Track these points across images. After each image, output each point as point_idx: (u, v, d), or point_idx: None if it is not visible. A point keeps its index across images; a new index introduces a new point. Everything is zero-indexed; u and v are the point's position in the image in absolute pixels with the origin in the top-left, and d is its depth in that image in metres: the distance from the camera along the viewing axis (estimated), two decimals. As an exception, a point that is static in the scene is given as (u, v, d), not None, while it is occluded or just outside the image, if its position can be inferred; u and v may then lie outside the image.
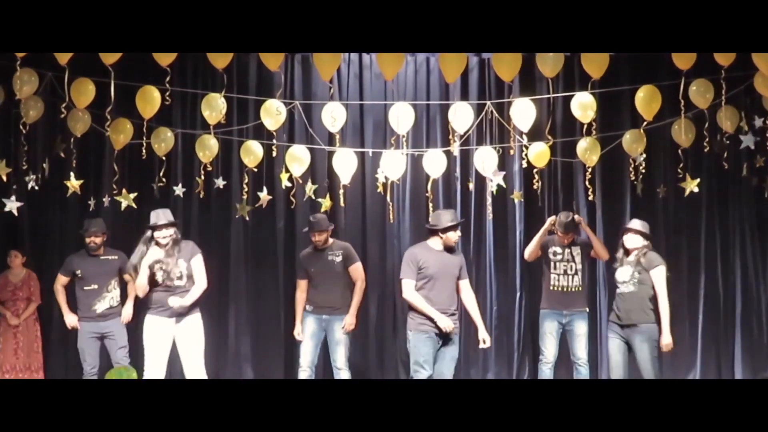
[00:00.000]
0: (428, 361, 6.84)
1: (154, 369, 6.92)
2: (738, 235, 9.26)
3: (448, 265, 7.01)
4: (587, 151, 8.15)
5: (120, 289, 7.96)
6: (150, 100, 7.79)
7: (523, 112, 7.95)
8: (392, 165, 8.18)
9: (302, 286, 7.86)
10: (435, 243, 7.03)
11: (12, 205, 7.80)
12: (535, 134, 8.15)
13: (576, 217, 7.88)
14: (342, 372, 7.68)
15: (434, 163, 8.22)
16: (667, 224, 9.30)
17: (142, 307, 7.51)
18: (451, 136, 8.34)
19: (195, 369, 6.97)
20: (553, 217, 7.93)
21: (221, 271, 8.94)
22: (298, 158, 8.22)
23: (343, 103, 8.51)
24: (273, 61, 7.74)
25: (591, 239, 7.85)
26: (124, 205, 8.04)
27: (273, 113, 8.01)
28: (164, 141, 8.15)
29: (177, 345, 7.00)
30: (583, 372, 7.68)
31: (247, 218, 8.82)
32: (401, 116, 8.03)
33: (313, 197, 8.75)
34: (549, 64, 7.75)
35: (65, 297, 7.97)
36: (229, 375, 9.07)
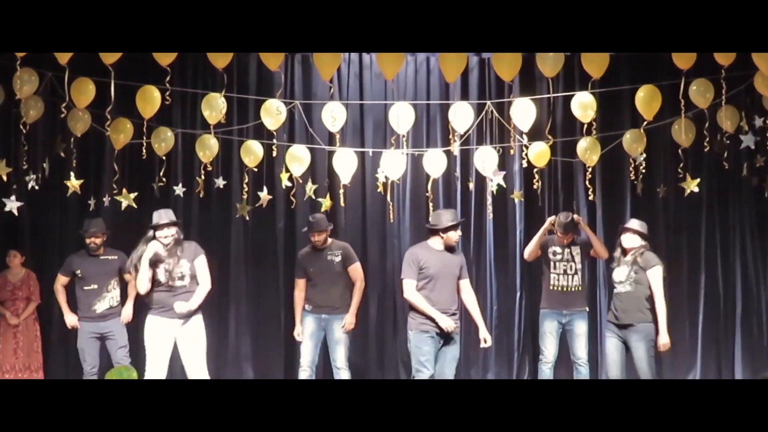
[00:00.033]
0: (430, 360, 6.84)
1: (156, 369, 6.91)
2: (738, 234, 9.26)
3: (449, 265, 7.01)
4: (587, 150, 8.15)
5: (120, 289, 7.95)
6: (150, 99, 7.79)
7: (523, 111, 7.95)
8: (392, 165, 8.18)
9: (300, 285, 7.87)
10: (435, 243, 7.03)
11: (12, 204, 7.80)
12: (535, 134, 8.14)
13: (575, 216, 7.88)
14: (342, 372, 7.68)
15: (434, 162, 8.22)
16: (668, 224, 9.31)
17: (142, 307, 7.52)
18: (451, 136, 8.34)
19: (197, 370, 6.96)
20: (552, 217, 7.93)
21: (221, 271, 8.93)
22: (298, 158, 8.22)
23: (344, 102, 8.51)
24: (273, 60, 7.74)
25: (590, 238, 7.85)
26: (124, 204, 8.03)
27: (273, 113, 8.01)
28: (164, 141, 8.15)
29: (179, 346, 6.99)
30: (583, 372, 7.68)
31: (248, 218, 8.82)
32: (401, 116, 8.03)
33: (314, 197, 8.75)
34: (549, 63, 7.75)
35: (65, 297, 7.96)
36: (229, 375, 9.07)
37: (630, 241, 7.32)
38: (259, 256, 9.33)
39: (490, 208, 8.67)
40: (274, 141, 8.24)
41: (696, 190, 8.11)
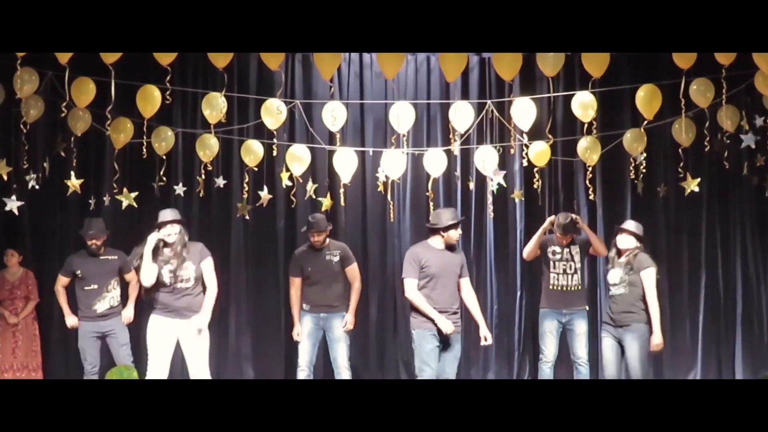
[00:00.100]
0: (433, 359, 6.85)
1: (158, 369, 6.89)
2: (738, 234, 9.26)
3: (450, 264, 7.02)
4: (588, 150, 8.15)
5: (120, 288, 7.95)
6: (150, 99, 7.79)
7: (523, 111, 7.95)
8: (393, 164, 8.18)
9: (296, 284, 7.86)
10: (436, 242, 7.04)
11: (12, 204, 7.80)
12: (535, 133, 8.14)
13: (573, 216, 7.87)
14: (344, 370, 7.68)
15: (435, 162, 8.22)
16: (668, 224, 9.31)
17: (143, 308, 7.53)
18: (451, 135, 8.34)
19: (199, 370, 6.96)
20: (552, 217, 7.93)
21: (222, 271, 8.90)
22: (298, 157, 8.22)
23: (344, 102, 8.51)
24: (273, 60, 7.74)
25: (589, 237, 7.85)
26: (125, 204, 8.04)
27: (273, 112, 8.01)
28: (165, 140, 8.15)
29: (181, 345, 6.98)
30: (583, 372, 7.68)
31: (248, 217, 8.82)
32: (402, 115, 8.03)
33: (314, 196, 8.75)
34: (549, 63, 7.75)
35: (66, 298, 7.96)
36: (229, 375, 9.07)
37: (625, 242, 7.34)
38: (260, 255, 9.33)
39: (490, 208, 8.68)
40: (275, 140, 8.24)
41: (696, 189, 8.10)
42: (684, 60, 7.36)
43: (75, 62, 7.33)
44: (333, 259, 7.79)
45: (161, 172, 8.21)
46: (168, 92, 7.66)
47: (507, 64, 7.71)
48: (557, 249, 7.78)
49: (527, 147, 8.10)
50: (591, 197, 8.74)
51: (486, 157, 8.19)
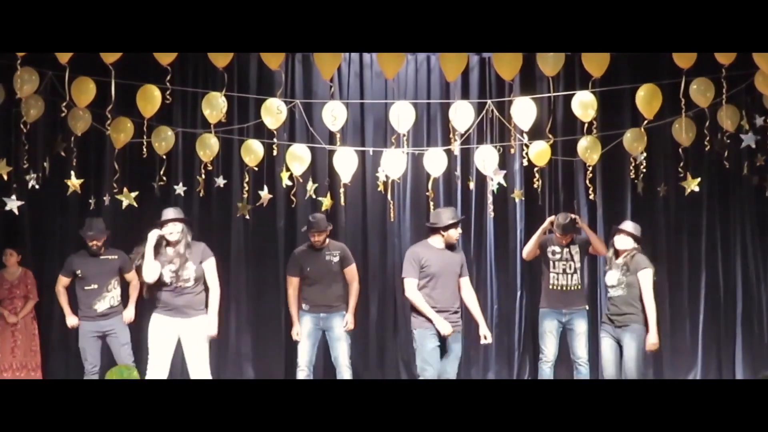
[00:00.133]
0: (435, 358, 6.86)
1: (158, 368, 6.90)
2: (739, 234, 9.26)
3: (450, 263, 7.03)
4: (588, 149, 8.15)
5: (120, 288, 7.95)
6: (150, 98, 7.79)
7: (523, 110, 7.95)
8: (393, 164, 8.18)
9: (294, 283, 7.85)
10: (436, 241, 7.05)
11: (12, 204, 7.79)
12: (535, 133, 8.14)
13: (573, 216, 7.87)
14: (346, 368, 7.68)
15: (435, 161, 8.22)
16: (668, 223, 9.31)
17: (143, 308, 7.53)
18: (451, 135, 8.34)
19: (200, 369, 6.96)
20: (552, 217, 7.93)
21: (222, 271, 8.90)
22: (298, 157, 8.22)
23: (344, 101, 8.52)
24: (273, 60, 7.73)
25: (589, 236, 7.84)
26: (125, 204, 8.04)
27: (273, 112, 8.01)
28: (165, 140, 8.15)
29: (182, 345, 6.99)
30: (583, 372, 7.68)
31: (248, 217, 8.83)
32: (402, 115, 8.03)
33: (314, 196, 8.75)
34: (550, 63, 7.75)
35: (67, 298, 7.95)
36: (229, 374, 9.07)
37: (623, 242, 7.34)
38: (260, 255, 9.33)
39: (490, 207, 8.68)
40: (275, 140, 8.24)
41: (696, 189, 8.10)
42: (684, 60, 7.36)
43: (75, 62, 7.32)
44: (333, 259, 7.79)
45: (161, 172, 8.21)
46: (168, 92, 7.66)
47: (507, 64, 7.71)
48: (557, 249, 7.78)
49: (527, 147, 8.10)
50: (591, 197, 8.74)
51: (486, 157, 8.19)
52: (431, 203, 8.27)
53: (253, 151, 8.24)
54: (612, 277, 7.33)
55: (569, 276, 7.74)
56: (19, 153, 7.74)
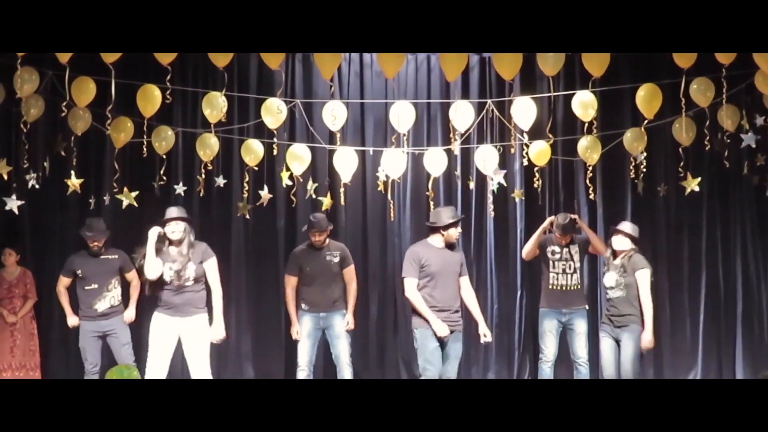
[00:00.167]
0: (437, 357, 6.87)
1: (157, 367, 6.92)
2: (739, 233, 9.25)
3: (450, 263, 7.04)
4: (588, 149, 8.15)
5: (121, 288, 7.95)
6: (151, 98, 7.79)
7: (523, 110, 7.95)
8: (393, 163, 8.18)
9: (292, 282, 7.86)
10: (436, 240, 7.06)
11: (13, 203, 7.79)
12: (535, 133, 8.14)
13: (572, 216, 7.87)
14: (347, 366, 7.68)
15: (435, 161, 8.21)
16: (668, 223, 9.31)
17: (144, 308, 7.53)
18: (451, 135, 8.34)
19: (200, 369, 6.96)
20: (552, 217, 7.93)
21: (222, 270, 8.90)
22: (298, 157, 8.22)
23: (344, 101, 8.52)
24: (274, 59, 7.73)
25: (589, 236, 7.85)
26: (125, 203, 8.04)
27: (274, 112, 8.01)
28: (165, 139, 8.15)
29: (183, 344, 7.00)
30: (583, 372, 7.68)
31: (248, 217, 8.83)
32: (402, 115, 8.03)
33: (314, 196, 8.74)
34: (550, 62, 7.75)
35: (68, 299, 7.95)
36: (230, 374, 9.07)
37: (620, 243, 7.36)
38: (260, 255, 9.33)
39: (490, 207, 8.68)
40: (275, 140, 8.24)
41: (697, 188, 8.10)
42: (684, 59, 7.35)
43: (75, 62, 7.32)
44: (333, 259, 7.80)
45: (161, 172, 8.21)
46: (168, 92, 7.66)
47: (507, 64, 7.70)
48: (556, 249, 7.78)
49: (527, 146, 8.10)
50: (591, 197, 8.74)
51: (486, 157, 8.19)
52: (431, 203, 8.27)
53: (253, 151, 8.24)
54: (610, 278, 7.34)
55: (569, 276, 7.75)
56: (19, 153, 7.74)
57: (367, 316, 9.14)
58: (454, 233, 7.05)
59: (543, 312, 7.84)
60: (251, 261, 9.31)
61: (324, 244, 7.80)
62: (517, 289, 9.31)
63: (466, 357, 8.59)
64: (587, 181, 8.50)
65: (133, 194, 8.04)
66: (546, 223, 7.85)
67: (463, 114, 8.07)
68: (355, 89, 9.35)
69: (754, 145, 8.25)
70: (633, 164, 8.31)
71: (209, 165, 8.26)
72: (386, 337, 9.34)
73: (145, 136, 7.92)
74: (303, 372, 7.71)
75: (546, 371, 7.74)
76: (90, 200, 8.47)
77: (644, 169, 8.25)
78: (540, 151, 8.17)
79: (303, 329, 7.76)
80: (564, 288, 7.74)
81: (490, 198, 8.60)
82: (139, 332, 7.87)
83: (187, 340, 6.98)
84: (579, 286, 7.81)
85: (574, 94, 8.08)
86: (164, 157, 8.20)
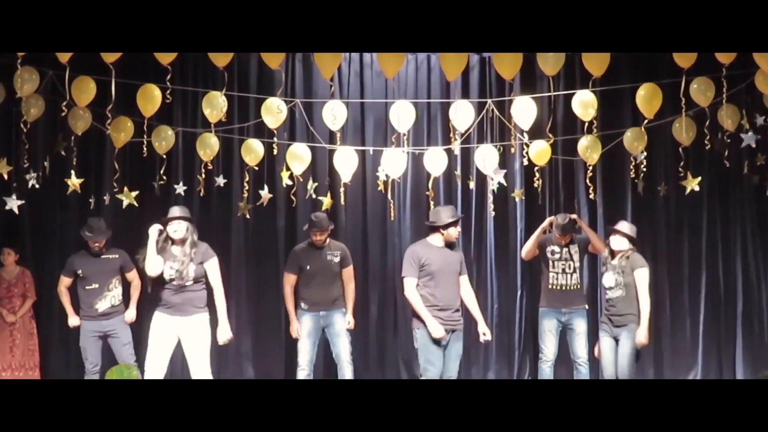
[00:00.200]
0: (438, 357, 6.87)
1: (156, 367, 6.93)
2: (739, 233, 9.25)
3: (450, 262, 7.05)
4: (588, 149, 8.15)
5: (122, 287, 7.95)
6: (151, 98, 7.79)
7: (524, 110, 7.95)
8: (393, 163, 8.18)
9: (291, 281, 7.86)
10: (436, 240, 7.07)
11: (13, 203, 7.80)
12: (536, 132, 8.14)
13: (572, 216, 7.87)
14: (347, 365, 7.69)
15: (435, 161, 8.21)
16: (668, 223, 9.31)
17: (144, 308, 7.53)
18: (451, 134, 8.34)
19: (200, 368, 6.97)
20: (551, 217, 7.94)
21: (222, 270, 8.90)
22: (298, 156, 8.22)
23: (344, 101, 8.52)
24: (274, 59, 7.73)
25: (588, 235, 7.85)
26: (125, 203, 8.04)
27: (274, 111, 8.01)
28: (165, 139, 8.15)
29: (183, 344, 7.00)
30: (583, 371, 7.69)
31: (248, 217, 8.83)
32: (402, 114, 8.03)
33: (314, 195, 8.74)
34: (550, 62, 7.74)
35: (69, 299, 7.95)
36: (230, 374, 9.06)
37: (618, 243, 7.37)
38: (260, 254, 9.33)
39: (491, 207, 8.68)
40: (275, 139, 8.24)
41: (697, 188, 8.09)
42: (684, 59, 7.35)
43: (75, 61, 7.32)
44: (334, 259, 7.81)
45: (161, 171, 8.21)
46: (168, 91, 7.66)
47: (507, 63, 7.70)
48: (556, 248, 7.79)
49: (527, 146, 8.10)
50: (591, 196, 8.74)
51: (486, 156, 8.19)
52: (431, 203, 8.26)
53: (253, 151, 8.24)
54: (609, 278, 7.35)
55: (569, 275, 7.75)
56: (19, 152, 7.74)
57: (367, 315, 9.14)
58: (454, 232, 7.06)
59: (543, 312, 7.84)
60: (251, 261, 9.31)
61: (325, 243, 7.81)
62: (517, 288, 9.31)
63: (466, 357, 8.58)
64: (587, 181, 8.50)
65: (134, 194, 8.04)
66: (545, 223, 7.86)
67: (463, 114, 8.07)
68: (355, 89, 9.35)
69: (754, 145, 8.25)
70: (633, 164, 8.31)
71: (209, 165, 8.26)
72: (386, 337, 9.34)
73: (145, 136, 7.92)
74: (303, 371, 7.71)
75: (546, 371, 7.74)
76: (90, 200, 8.47)
77: (644, 169, 8.25)
78: (540, 151, 8.17)
79: (303, 329, 7.76)
80: (564, 288, 7.74)
81: (490, 198, 8.60)
82: (139, 332, 7.87)
83: (187, 340, 6.98)
84: (579, 286, 7.81)
85: (574, 93, 8.07)
86: (164, 156, 8.19)
